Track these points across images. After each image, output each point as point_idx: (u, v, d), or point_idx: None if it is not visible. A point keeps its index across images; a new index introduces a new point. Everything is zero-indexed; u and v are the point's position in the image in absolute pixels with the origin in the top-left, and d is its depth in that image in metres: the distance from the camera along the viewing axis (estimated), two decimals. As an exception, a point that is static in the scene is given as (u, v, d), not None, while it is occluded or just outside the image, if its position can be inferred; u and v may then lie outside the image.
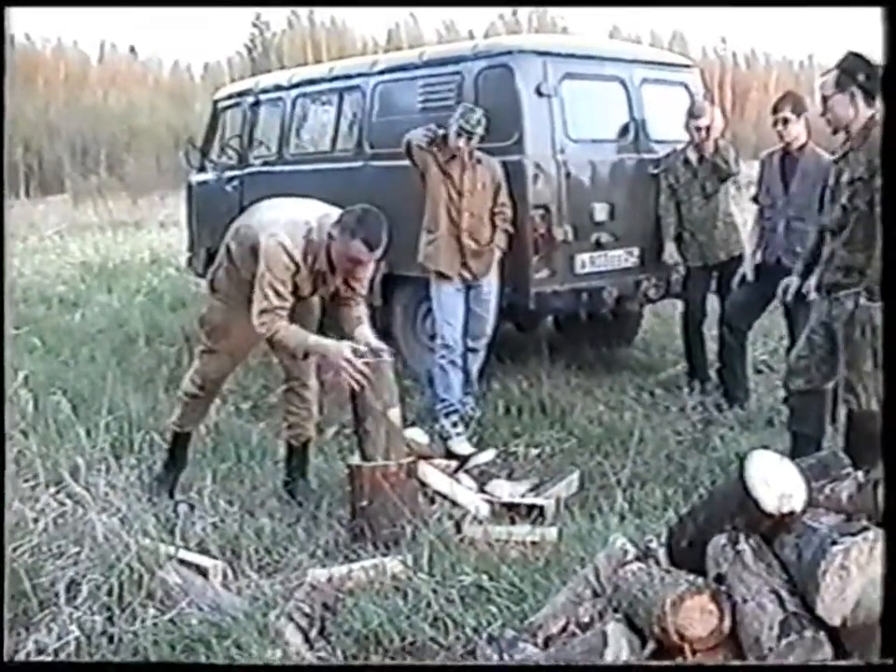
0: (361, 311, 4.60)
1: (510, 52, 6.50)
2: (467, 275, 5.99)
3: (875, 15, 3.02)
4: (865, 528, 2.27)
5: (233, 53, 59.67)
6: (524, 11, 60.87)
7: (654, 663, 2.41)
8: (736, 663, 2.32)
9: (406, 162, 6.12)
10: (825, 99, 4.11)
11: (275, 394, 5.63)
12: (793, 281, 4.78)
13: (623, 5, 6.76)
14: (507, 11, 61.32)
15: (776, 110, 5.76)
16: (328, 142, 7.77)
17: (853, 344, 4.09)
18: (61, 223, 21.27)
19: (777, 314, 6.47)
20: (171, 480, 4.78)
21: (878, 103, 3.96)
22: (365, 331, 4.50)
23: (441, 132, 5.92)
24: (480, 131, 5.87)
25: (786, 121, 5.71)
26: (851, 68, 4.01)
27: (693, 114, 6.47)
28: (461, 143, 5.85)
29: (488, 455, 5.42)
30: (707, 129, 6.38)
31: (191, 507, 4.42)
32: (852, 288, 4.06)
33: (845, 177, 4.11)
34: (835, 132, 4.21)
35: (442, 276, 5.97)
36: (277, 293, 4.28)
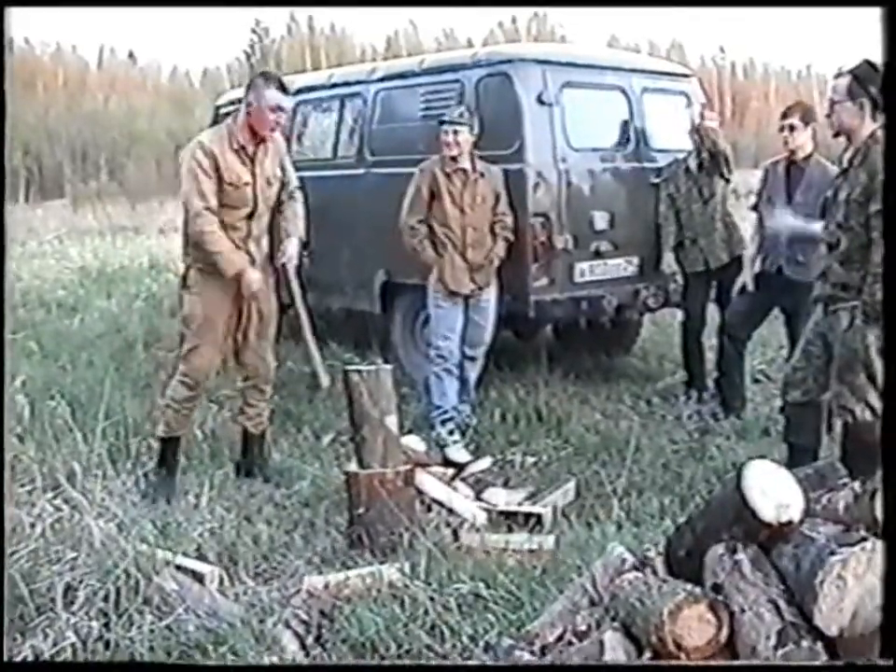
0: (296, 209, 5.00)
1: (510, 61, 6.51)
2: (474, 288, 6.01)
3: (873, 19, 3.02)
4: (863, 539, 2.27)
5: (232, 59, 59.88)
6: (523, 20, 61.05)
7: (649, 663, 2.41)
8: (735, 663, 2.32)
9: (407, 169, 6.14)
10: (833, 103, 4.11)
11: (235, 388, 5.70)
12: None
13: (623, 5, 6.73)
14: (506, 19, 61.50)
15: (784, 116, 5.74)
16: (329, 149, 7.78)
17: (847, 358, 4.10)
18: (60, 228, 21.33)
19: (776, 323, 6.48)
20: (169, 485, 4.79)
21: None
22: (292, 248, 4.91)
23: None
24: (464, 121, 5.89)
25: (793, 128, 5.69)
26: (865, 78, 3.98)
27: (700, 115, 6.48)
28: (449, 138, 5.87)
29: (485, 462, 5.42)
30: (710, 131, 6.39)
31: None
32: (849, 303, 4.06)
33: (842, 195, 4.10)
34: (836, 135, 4.21)
35: (451, 293, 5.99)
36: (201, 194, 4.62)
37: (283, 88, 4.70)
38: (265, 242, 4.95)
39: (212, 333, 4.84)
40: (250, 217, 4.82)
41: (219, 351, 4.93)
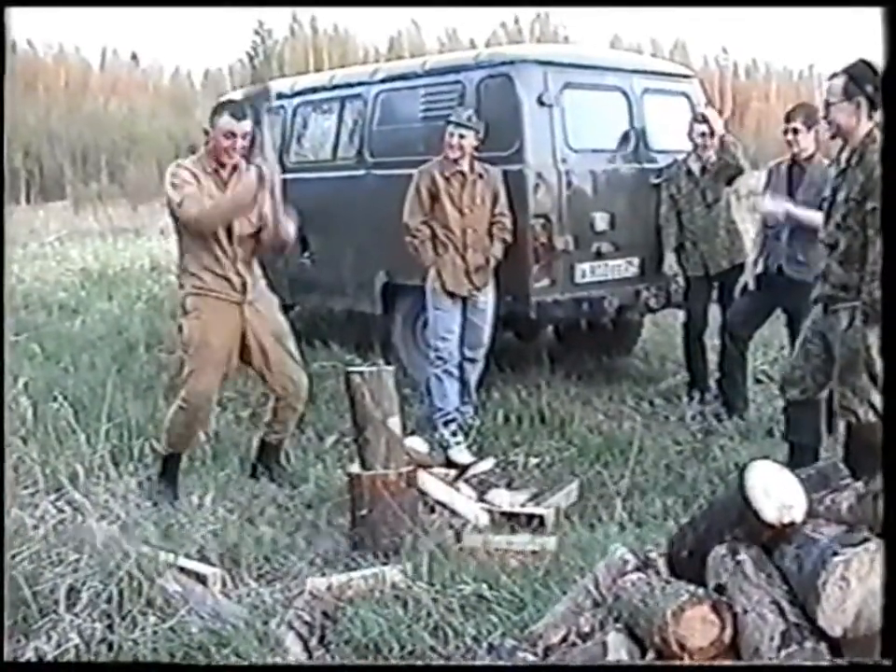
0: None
1: (511, 62, 6.50)
2: (472, 289, 6.00)
3: (875, 18, 3.02)
4: (866, 539, 2.27)
5: (235, 61, 59.90)
6: (525, 20, 61.06)
7: (653, 664, 2.41)
8: (739, 664, 2.32)
9: (408, 171, 6.14)
10: (829, 104, 4.11)
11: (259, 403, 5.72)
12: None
13: (626, 5, 6.72)
14: (509, 20, 61.51)
15: (788, 119, 5.73)
16: (329, 150, 7.77)
17: (848, 359, 4.09)
18: (61, 229, 21.32)
19: (778, 323, 6.47)
20: (171, 491, 4.79)
21: (879, 115, 3.95)
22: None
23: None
24: (472, 125, 5.89)
25: (796, 131, 5.69)
26: (860, 76, 3.98)
27: (697, 119, 6.48)
28: (454, 140, 5.86)
29: (488, 464, 5.42)
30: (712, 134, 6.37)
31: None
32: (848, 303, 4.06)
33: (840, 195, 4.10)
34: (833, 137, 4.22)
35: (449, 294, 5.98)
36: (177, 185, 4.63)
37: (235, 114, 4.70)
38: (256, 268, 4.91)
39: (211, 356, 4.76)
40: (230, 238, 4.75)
41: (220, 375, 4.85)
